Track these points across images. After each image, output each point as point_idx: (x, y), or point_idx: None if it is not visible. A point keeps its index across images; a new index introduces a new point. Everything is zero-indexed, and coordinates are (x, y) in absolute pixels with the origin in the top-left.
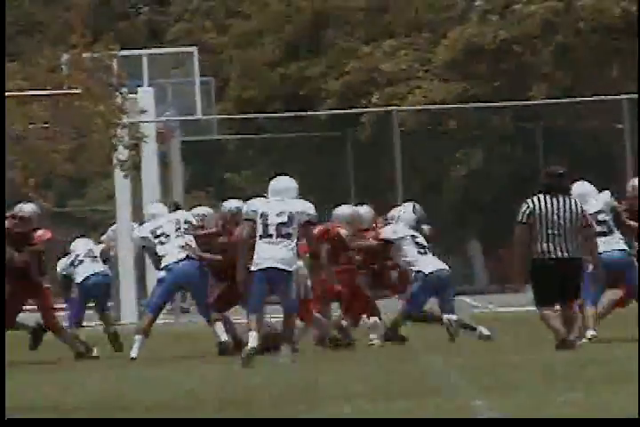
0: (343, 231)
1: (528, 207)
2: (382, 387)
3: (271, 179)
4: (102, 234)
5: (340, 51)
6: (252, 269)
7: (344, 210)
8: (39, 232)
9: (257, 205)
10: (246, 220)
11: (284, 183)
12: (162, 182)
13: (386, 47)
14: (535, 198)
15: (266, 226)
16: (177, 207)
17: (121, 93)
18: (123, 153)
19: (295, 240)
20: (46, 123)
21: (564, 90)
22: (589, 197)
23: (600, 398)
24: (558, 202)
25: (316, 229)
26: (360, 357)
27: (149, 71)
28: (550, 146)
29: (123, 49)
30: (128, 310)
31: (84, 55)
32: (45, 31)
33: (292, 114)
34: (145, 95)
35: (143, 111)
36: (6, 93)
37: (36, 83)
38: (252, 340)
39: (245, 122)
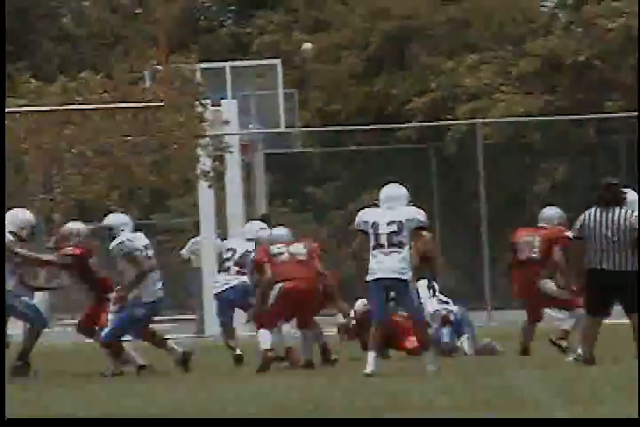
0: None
1: (580, 221)
2: (466, 399)
3: (374, 190)
4: (181, 248)
5: (424, 66)
6: (368, 279)
7: (553, 212)
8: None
9: (368, 215)
10: (358, 231)
11: (394, 191)
12: (245, 195)
13: (469, 61)
14: (587, 212)
15: (377, 236)
16: (266, 220)
17: (202, 104)
18: (206, 164)
19: (407, 248)
20: (129, 135)
21: None
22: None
23: None
24: (609, 214)
25: (543, 234)
26: (444, 369)
27: (233, 83)
28: (633, 158)
29: (206, 61)
30: (212, 324)
31: (165, 67)
32: (128, 44)
33: (375, 126)
34: (228, 107)
35: (226, 122)
36: (92, 106)
37: (119, 95)
38: (370, 362)
39: (329, 135)
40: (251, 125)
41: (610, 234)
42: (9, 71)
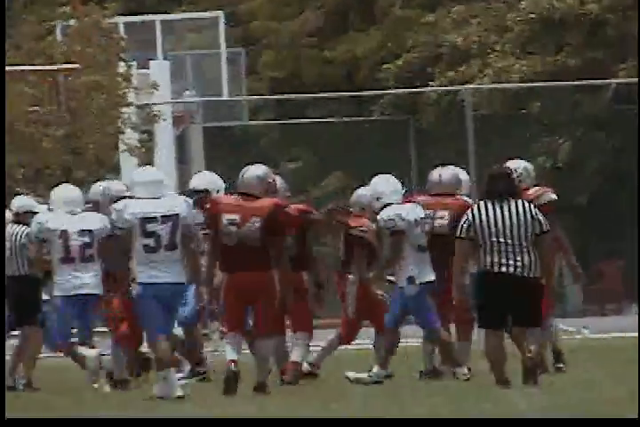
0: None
1: (466, 220)
2: None
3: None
4: None
5: (397, 20)
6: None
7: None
8: None
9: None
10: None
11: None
12: (179, 175)
13: (454, 15)
14: (475, 208)
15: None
16: None
17: (125, 61)
18: (132, 137)
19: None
20: (35, 105)
21: None
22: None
23: None
24: (502, 208)
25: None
26: None
27: (164, 41)
28: None
29: (132, 14)
30: None
31: (80, 20)
32: None
33: (342, 94)
34: (158, 70)
35: (155, 86)
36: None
37: (23, 55)
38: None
39: (284, 105)
40: (187, 92)
41: (507, 230)
42: None
